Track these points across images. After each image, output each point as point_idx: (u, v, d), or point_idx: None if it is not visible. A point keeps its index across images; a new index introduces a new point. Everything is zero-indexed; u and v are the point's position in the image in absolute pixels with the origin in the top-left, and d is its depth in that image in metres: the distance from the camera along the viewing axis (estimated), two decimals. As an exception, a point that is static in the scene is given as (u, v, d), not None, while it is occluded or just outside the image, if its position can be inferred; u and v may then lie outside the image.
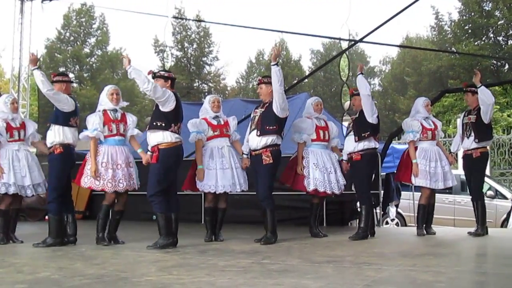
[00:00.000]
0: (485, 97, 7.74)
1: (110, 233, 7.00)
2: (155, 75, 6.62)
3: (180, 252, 6.07)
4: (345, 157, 7.85)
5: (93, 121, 6.84)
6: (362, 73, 7.55)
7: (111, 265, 5.18)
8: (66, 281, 4.24)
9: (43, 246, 6.68)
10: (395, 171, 8.72)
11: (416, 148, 8.01)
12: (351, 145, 7.58)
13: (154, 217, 6.61)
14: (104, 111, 6.94)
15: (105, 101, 6.99)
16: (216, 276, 4.35)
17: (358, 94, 7.68)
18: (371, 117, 7.46)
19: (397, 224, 12.13)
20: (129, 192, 7.12)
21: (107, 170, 6.75)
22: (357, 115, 7.66)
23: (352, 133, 7.61)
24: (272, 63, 6.96)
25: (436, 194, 8.35)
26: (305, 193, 7.69)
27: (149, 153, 6.72)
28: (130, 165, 6.97)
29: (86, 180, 6.80)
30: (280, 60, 6.86)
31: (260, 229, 7.28)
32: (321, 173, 7.55)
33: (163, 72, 6.75)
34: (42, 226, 8.62)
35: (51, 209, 6.84)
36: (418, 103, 8.31)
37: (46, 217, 7.63)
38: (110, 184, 6.75)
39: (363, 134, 7.47)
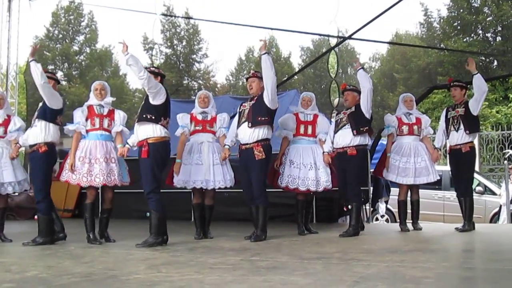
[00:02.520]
0: (480, 83, 7.79)
1: (101, 231, 6.98)
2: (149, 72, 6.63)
3: (169, 249, 6.06)
4: (326, 150, 7.68)
5: (77, 115, 6.85)
6: (362, 68, 7.54)
7: (99, 263, 5.16)
8: (54, 280, 4.22)
9: (33, 245, 6.65)
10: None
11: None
12: (346, 138, 7.44)
13: (148, 214, 6.58)
14: (90, 106, 6.93)
15: (91, 97, 7.01)
16: (205, 274, 4.35)
17: (351, 90, 7.66)
18: (368, 112, 7.43)
19: (387, 220, 12.18)
20: (120, 190, 7.11)
21: (84, 164, 6.71)
22: (353, 110, 7.56)
23: (346, 127, 7.48)
24: (263, 52, 6.93)
25: (426, 190, 8.41)
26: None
27: (127, 145, 6.79)
28: (111, 161, 6.87)
29: (64, 174, 6.80)
30: (272, 53, 6.83)
31: (249, 227, 7.29)
32: (295, 170, 7.54)
33: (154, 68, 6.75)
34: (31, 225, 8.59)
35: (40, 208, 6.80)
36: (399, 99, 8.51)
37: (35, 216, 7.59)
38: (85, 179, 6.70)
39: (361, 129, 7.41)
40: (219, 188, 7.38)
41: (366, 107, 7.42)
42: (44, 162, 6.76)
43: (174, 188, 7.50)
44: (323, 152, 7.70)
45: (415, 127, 8.17)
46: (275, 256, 5.40)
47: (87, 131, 6.84)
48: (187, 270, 4.55)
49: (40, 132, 6.74)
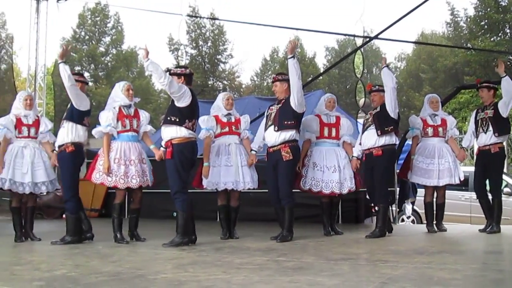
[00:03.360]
0: (509, 86, 7.68)
1: (130, 231, 7.05)
2: (170, 73, 6.64)
3: (196, 249, 6.09)
4: (355, 154, 7.67)
5: (107, 117, 6.86)
6: (387, 66, 7.44)
7: (127, 262, 5.21)
8: (82, 279, 4.27)
9: (61, 244, 6.73)
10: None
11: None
12: (371, 139, 7.38)
13: (174, 213, 6.61)
14: (119, 107, 6.98)
15: (120, 97, 7.00)
16: (231, 274, 4.36)
17: (377, 90, 7.58)
18: (393, 112, 7.33)
19: (413, 221, 12.07)
20: (146, 190, 7.16)
21: (120, 166, 6.77)
22: (378, 109, 7.49)
23: (371, 127, 7.43)
24: (289, 56, 6.87)
25: (452, 192, 8.32)
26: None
27: (162, 149, 6.75)
28: (143, 162, 6.97)
29: (98, 176, 6.82)
30: (297, 53, 6.78)
31: (274, 227, 7.28)
32: (320, 173, 7.47)
33: (176, 69, 6.75)
34: (59, 224, 8.69)
35: (68, 207, 6.88)
36: (425, 100, 8.40)
37: (63, 215, 7.68)
38: (123, 180, 6.76)
39: (386, 128, 7.31)
40: (248, 189, 7.41)
41: (390, 106, 7.32)
42: (72, 162, 6.84)
43: (200, 188, 7.52)
44: (352, 157, 7.67)
45: (440, 129, 8.09)
46: (301, 257, 5.40)
47: (118, 133, 6.89)
48: (213, 270, 4.57)
49: (67, 133, 6.81)
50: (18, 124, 7.30)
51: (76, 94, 6.77)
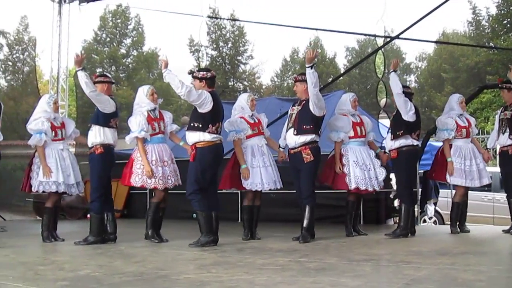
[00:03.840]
0: None
1: (155, 230, 7.09)
2: (192, 75, 6.68)
3: (218, 250, 6.11)
4: (387, 149, 7.74)
5: (139, 122, 6.92)
6: (395, 71, 7.38)
7: (150, 263, 5.24)
8: (106, 279, 4.31)
9: (84, 244, 6.79)
10: (429, 169, 8.61)
11: (451, 146, 7.92)
12: (389, 142, 7.54)
13: (194, 215, 6.65)
14: (147, 111, 7.03)
15: (146, 102, 7.07)
16: (254, 274, 4.37)
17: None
18: (406, 115, 7.33)
19: (434, 222, 11.99)
20: (168, 191, 7.21)
21: (157, 168, 6.89)
22: (394, 113, 7.56)
23: (389, 130, 7.58)
24: (307, 65, 6.85)
25: (475, 192, 8.24)
26: (343, 191, 7.65)
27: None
28: (173, 162, 7.12)
29: (138, 179, 6.92)
30: (316, 60, 6.75)
31: (296, 228, 7.28)
32: (361, 171, 7.49)
33: (198, 73, 6.77)
34: (81, 224, 8.77)
35: (93, 208, 6.94)
36: (452, 100, 8.22)
37: (88, 215, 7.75)
38: (162, 181, 6.90)
39: (397, 133, 7.38)
40: (273, 190, 7.44)
41: (402, 110, 7.36)
42: (100, 163, 6.91)
43: (220, 189, 7.54)
44: (383, 152, 7.77)
45: (470, 129, 8.01)
46: (324, 258, 5.39)
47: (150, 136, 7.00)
48: (236, 271, 4.58)
49: (96, 135, 6.90)
50: (52, 127, 7.39)
51: (98, 99, 6.82)
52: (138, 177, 6.91)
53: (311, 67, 6.80)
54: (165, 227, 7.36)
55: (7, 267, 5.09)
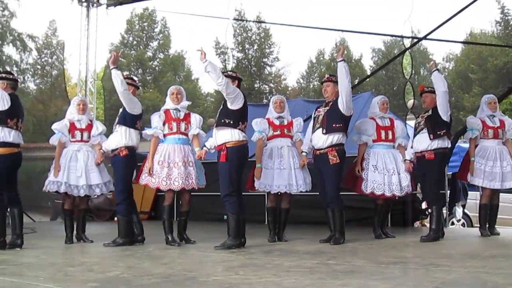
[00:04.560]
0: None
1: (179, 233, 7.12)
2: (224, 75, 6.71)
3: (245, 252, 6.11)
4: (408, 157, 7.59)
5: (153, 120, 7.02)
6: (437, 69, 7.26)
7: (178, 264, 5.27)
8: (135, 280, 4.33)
9: (113, 246, 6.85)
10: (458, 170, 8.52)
11: (476, 147, 7.83)
12: (424, 143, 7.27)
13: (225, 217, 6.65)
14: (166, 110, 7.08)
15: (167, 101, 7.16)
16: (282, 277, 4.36)
17: (429, 92, 7.46)
18: (445, 115, 7.20)
19: (463, 224, 11.86)
20: (195, 193, 7.22)
21: (163, 168, 6.86)
22: (429, 113, 7.36)
23: (424, 131, 7.31)
24: (339, 59, 6.85)
25: (503, 194, 8.10)
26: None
27: (204, 148, 6.87)
28: (189, 164, 7.00)
29: (144, 178, 6.99)
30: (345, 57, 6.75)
31: (323, 229, 7.25)
32: (380, 175, 7.43)
33: (231, 72, 6.81)
34: (109, 226, 8.84)
35: (119, 210, 7.00)
36: (482, 101, 8.17)
37: (115, 218, 7.82)
38: (165, 182, 6.85)
39: (438, 132, 7.19)
40: (300, 192, 7.40)
41: (443, 110, 7.19)
42: (125, 165, 6.96)
43: (252, 191, 7.54)
44: (405, 159, 7.59)
45: (500, 130, 7.85)
46: (352, 260, 5.36)
47: (164, 135, 6.99)
48: (264, 273, 4.58)
49: (121, 137, 6.94)
50: (72, 128, 7.49)
51: (129, 99, 6.89)
52: (144, 176, 6.98)
53: (343, 60, 6.84)
54: (192, 228, 7.39)
55: (38, 268, 5.16)
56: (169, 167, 6.87)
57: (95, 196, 9.40)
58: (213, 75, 6.45)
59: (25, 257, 5.84)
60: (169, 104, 7.14)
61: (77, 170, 7.38)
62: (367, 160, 7.56)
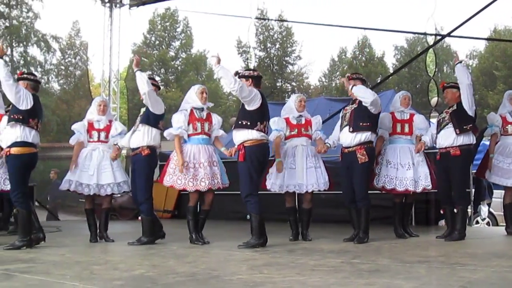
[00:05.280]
0: None
1: (197, 233, 7.13)
2: (238, 76, 6.71)
3: (269, 251, 6.11)
4: (424, 139, 7.40)
5: (178, 119, 6.98)
6: (460, 62, 7.13)
7: (202, 263, 5.28)
8: (160, 279, 4.36)
9: (138, 244, 6.88)
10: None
11: (497, 143, 7.75)
12: (449, 138, 7.09)
13: (248, 216, 6.65)
14: (191, 109, 7.07)
15: (193, 99, 7.11)
16: (306, 276, 4.35)
17: (451, 87, 7.33)
18: (470, 109, 7.04)
19: (488, 223, 11.73)
20: (217, 192, 7.23)
21: (189, 169, 6.84)
22: (454, 108, 7.19)
23: (448, 126, 7.12)
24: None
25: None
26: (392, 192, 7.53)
27: (234, 147, 6.83)
28: (214, 164, 7.01)
29: (169, 179, 6.95)
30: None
31: (346, 228, 7.22)
32: (393, 170, 7.34)
33: (244, 72, 6.80)
34: (133, 225, 8.89)
35: (143, 209, 7.03)
36: (505, 96, 8.10)
37: (139, 217, 7.86)
38: (191, 183, 6.84)
39: (464, 127, 7.01)
40: (316, 191, 7.36)
41: (468, 104, 7.03)
42: (147, 165, 6.98)
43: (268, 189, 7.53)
44: (420, 140, 7.44)
45: None
46: (376, 259, 5.33)
47: (188, 136, 6.99)
48: (288, 272, 4.57)
49: (143, 136, 6.96)
50: (90, 128, 7.57)
51: (155, 98, 6.93)
52: (169, 177, 6.94)
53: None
54: (215, 228, 7.42)
55: (64, 266, 5.21)
56: (195, 168, 6.88)
57: (119, 196, 9.47)
58: (225, 81, 6.49)
59: (51, 256, 5.91)
60: (195, 102, 7.09)
61: (89, 169, 7.44)
62: (382, 155, 7.49)
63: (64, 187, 7.44)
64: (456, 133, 7.04)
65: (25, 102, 6.44)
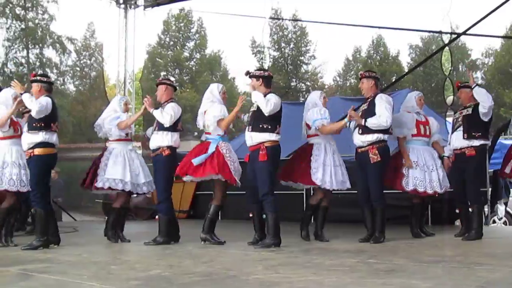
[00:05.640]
0: None
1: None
2: (250, 75, 6.73)
3: (284, 251, 6.10)
4: (447, 154, 7.49)
5: (221, 109, 7.04)
6: (478, 85, 7.14)
7: (218, 263, 5.29)
8: (176, 279, 4.37)
9: (154, 244, 6.89)
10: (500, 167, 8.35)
11: None
12: (463, 140, 7.15)
13: (264, 216, 6.64)
14: None
15: (218, 98, 7.12)
16: (323, 275, 4.34)
17: (464, 87, 7.36)
18: (486, 118, 7.08)
19: (504, 223, 11.64)
20: (231, 192, 7.24)
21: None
22: (469, 111, 7.21)
23: (461, 129, 7.20)
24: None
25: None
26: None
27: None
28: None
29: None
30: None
31: (362, 228, 7.19)
32: (421, 172, 7.26)
33: (255, 71, 6.81)
34: (149, 225, 8.92)
35: (162, 209, 7.03)
36: None
37: (156, 216, 7.87)
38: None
39: (473, 133, 7.07)
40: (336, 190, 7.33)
41: (485, 117, 7.09)
42: (168, 165, 6.99)
43: (286, 189, 7.50)
44: (443, 156, 7.47)
45: None
46: (393, 259, 5.30)
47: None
48: (304, 272, 4.57)
49: (162, 138, 6.98)
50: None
51: (173, 116, 6.92)
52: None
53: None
54: (231, 227, 7.41)
55: (81, 266, 5.24)
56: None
57: (134, 195, 9.49)
58: (261, 105, 6.48)
59: (68, 256, 5.95)
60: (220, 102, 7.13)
61: (135, 168, 7.48)
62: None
63: (118, 187, 7.33)
64: (464, 138, 7.12)
65: (47, 109, 6.52)
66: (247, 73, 6.81)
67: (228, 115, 6.95)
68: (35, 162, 6.55)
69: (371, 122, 6.78)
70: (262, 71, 6.85)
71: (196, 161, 6.74)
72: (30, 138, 6.58)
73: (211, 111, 6.95)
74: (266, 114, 6.47)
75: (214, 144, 6.85)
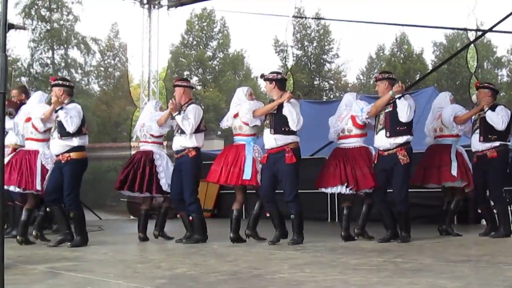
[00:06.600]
0: None
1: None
2: (264, 78, 6.79)
3: (310, 250, 6.10)
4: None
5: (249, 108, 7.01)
6: (490, 109, 7.15)
7: (243, 262, 5.30)
8: (202, 277, 4.38)
9: (191, 243, 6.91)
10: None
11: None
12: (485, 142, 7.15)
13: (292, 215, 6.64)
14: None
15: (243, 100, 7.11)
16: (348, 274, 4.33)
17: (482, 87, 7.37)
18: (501, 127, 7.06)
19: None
20: (251, 191, 7.27)
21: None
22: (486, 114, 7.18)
23: (478, 132, 7.23)
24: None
25: None
26: (431, 189, 7.45)
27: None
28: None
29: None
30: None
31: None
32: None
33: (269, 74, 6.81)
34: (172, 224, 8.93)
35: (193, 209, 6.99)
36: None
37: (177, 215, 7.90)
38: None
39: (489, 136, 7.11)
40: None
41: (500, 127, 7.07)
42: (194, 166, 7.01)
43: (310, 189, 7.49)
44: None
45: None
46: (419, 258, 5.26)
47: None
48: (330, 271, 4.56)
49: (187, 139, 6.99)
50: None
51: (193, 124, 6.93)
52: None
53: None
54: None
55: (107, 264, 5.29)
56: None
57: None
58: (291, 122, 6.53)
59: (95, 254, 6.01)
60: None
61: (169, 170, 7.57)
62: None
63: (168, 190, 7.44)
64: (480, 140, 7.16)
65: (79, 116, 6.62)
66: (262, 76, 6.84)
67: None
68: (72, 166, 6.65)
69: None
70: (275, 74, 6.84)
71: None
72: (64, 142, 6.64)
73: (242, 109, 6.96)
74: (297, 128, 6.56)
75: (250, 148, 6.93)
